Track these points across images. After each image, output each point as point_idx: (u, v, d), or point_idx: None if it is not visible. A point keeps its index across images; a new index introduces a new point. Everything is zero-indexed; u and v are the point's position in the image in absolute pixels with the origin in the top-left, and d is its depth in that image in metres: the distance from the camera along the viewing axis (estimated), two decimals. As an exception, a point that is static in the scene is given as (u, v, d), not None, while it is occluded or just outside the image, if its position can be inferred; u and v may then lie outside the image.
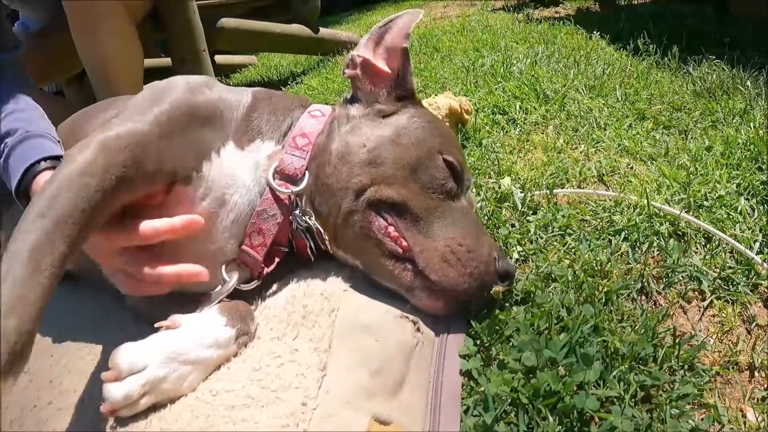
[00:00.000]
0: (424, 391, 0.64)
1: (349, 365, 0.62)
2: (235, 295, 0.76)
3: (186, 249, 0.74)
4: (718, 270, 0.79)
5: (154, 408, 0.62)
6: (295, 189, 0.74)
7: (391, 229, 0.71)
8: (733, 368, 0.69)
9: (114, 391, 0.59)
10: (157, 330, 0.68)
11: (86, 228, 0.59)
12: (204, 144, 0.73)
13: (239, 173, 0.75)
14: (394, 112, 0.80)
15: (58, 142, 0.86)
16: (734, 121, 1.18)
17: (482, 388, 0.62)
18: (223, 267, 0.76)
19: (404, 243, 0.70)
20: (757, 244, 0.83)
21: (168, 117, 0.70)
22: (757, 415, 0.61)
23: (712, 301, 0.76)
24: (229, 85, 2.98)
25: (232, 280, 0.75)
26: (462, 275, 0.67)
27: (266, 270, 0.77)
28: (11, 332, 0.47)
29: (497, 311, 0.70)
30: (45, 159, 0.79)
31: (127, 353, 0.62)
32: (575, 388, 0.61)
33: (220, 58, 2.85)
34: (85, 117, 0.98)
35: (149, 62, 2.26)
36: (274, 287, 0.81)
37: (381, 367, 0.62)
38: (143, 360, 0.62)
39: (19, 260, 0.51)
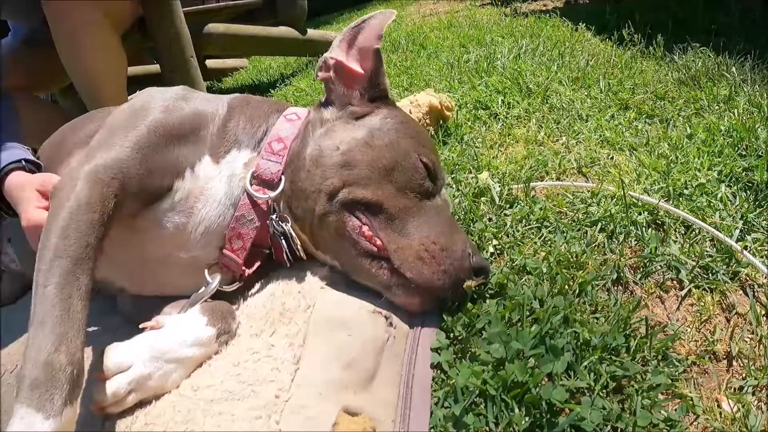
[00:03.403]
0: (396, 384, 0.65)
1: (321, 359, 0.63)
2: (219, 295, 0.77)
3: (159, 254, 0.76)
4: (697, 259, 0.78)
5: (141, 404, 0.64)
6: (272, 194, 0.75)
7: (365, 228, 0.71)
8: (710, 358, 0.67)
9: (102, 390, 0.61)
10: (142, 331, 0.69)
11: (96, 255, 0.64)
12: (179, 162, 0.75)
13: (211, 188, 0.77)
14: (368, 113, 0.80)
15: (27, 149, 0.95)
16: (718, 108, 1.17)
17: (453, 381, 0.62)
18: (207, 270, 0.77)
19: (378, 242, 0.70)
20: (737, 231, 0.82)
21: (146, 141, 0.73)
22: (732, 405, 0.60)
23: (690, 290, 0.75)
24: (220, 89, 2.98)
25: (214, 282, 0.77)
26: (436, 272, 0.68)
27: (248, 271, 0.78)
28: (65, 364, 0.54)
29: (470, 305, 0.69)
30: (14, 162, 0.89)
31: (114, 353, 0.64)
32: (545, 380, 0.60)
33: (211, 63, 2.86)
34: (71, 129, 1.00)
35: (140, 69, 2.28)
36: (257, 286, 0.82)
37: (352, 361, 0.63)
38: (129, 359, 0.64)
39: (51, 302, 0.57)
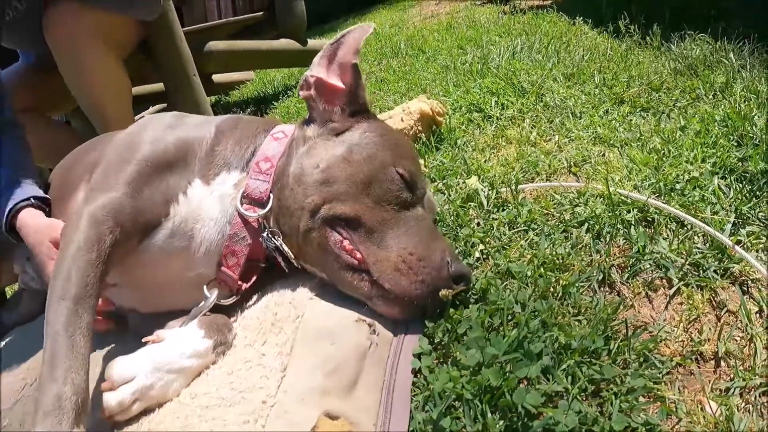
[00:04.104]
0: (378, 389, 0.66)
1: (306, 367, 0.66)
2: (218, 309, 0.80)
3: (168, 277, 0.82)
4: (687, 256, 0.76)
5: (145, 412, 0.68)
6: (262, 212, 0.78)
7: (345, 242, 0.73)
8: (697, 358, 0.66)
9: (109, 400, 0.66)
10: (145, 344, 0.74)
11: (99, 291, 0.71)
12: (170, 189, 0.80)
13: (206, 208, 0.81)
14: (348, 128, 0.82)
15: (36, 183, 1.04)
16: (714, 97, 1.14)
17: (432, 386, 0.63)
18: (205, 286, 0.81)
19: (358, 255, 0.72)
20: (730, 225, 0.80)
21: (136, 176, 0.79)
22: (715, 408, 0.59)
23: (679, 289, 0.74)
24: (228, 102, 3.02)
25: (212, 297, 0.80)
26: (413, 282, 0.69)
27: (244, 286, 0.82)
28: (71, 395, 0.61)
29: (452, 310, 0.70)
30: (24, 200, 0.98)
31: (119, 365, 0.69)
32: (524, 383, 0.60)
33: (218, 77, 2.93)
34: (81, 153, 1.06)
35: (146, 89, 2.35)
36: (254, 299, 0.85)
37: (336, 368, 0.65)
38: (133, 371, 0.69)
39: (58, 340, 0.64)
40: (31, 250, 0.93)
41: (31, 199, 0.99)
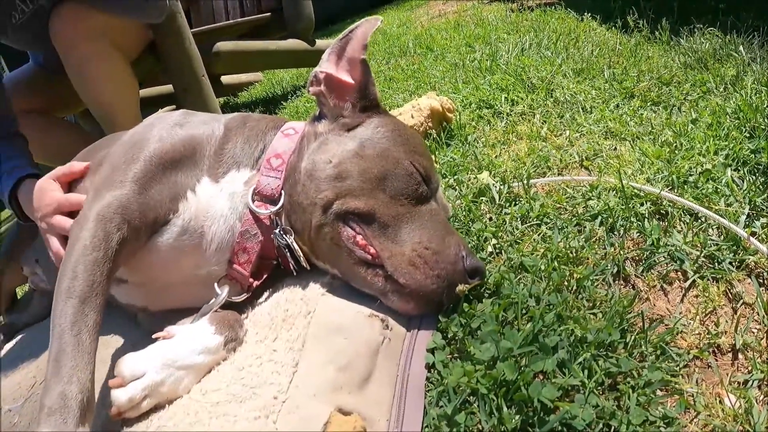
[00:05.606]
0: (392, 384, 0.66)
1: (318, 362, 0.66)
2: (229, 306, 0.81)
3: (179, 275, 0.82)
4: (701, 248, 0.76)
5: (155, 408, 0.68)
6: (273, 209, 0.79)
7: (359, 237, 0.73)
8: (714, 351, 0.66)
9: (119, 396, 0.67)
10: (155, 341, 0.74)
11: (107, 290, 0.71)
12: (178, 186, 0.80)
13: (215, 206, 0.81)
14: (359, 123, 0.82)
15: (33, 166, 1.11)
16: (725, 90, 1.13)
17: (447, 381, 0.63)
18: (216, 283, 0.81)
19: (372, 250, 0.72)
20: (744, 217, 0.79)
21: (143, 173, 0.79)
22: (734, 400, 0.58)
23: (694, 281, 0.73)
24: (236, 104, 3.03)
25: (223, 293, 0.81)
26: (429, 277, 0.69)
27: (255, 283, 0.82)
28: (76, 393, 0.61)
29: (466, 305, 0.70)
30: (28, 174, 1.04)
31: (129, 362, 0.70)
32: (540, 377, 0.60)
33: (226, 78, 2.95)
34: (87, 155, 1.08)
35: (155, 90, 2.36)
36: (265, 295, 0.85)
37: (348, 363, 0.65)
38: (143, 367, 0.69)
39: (64, 339, 0.64)
40: (34, 206, 0.95)
41: (34, 175, 1.03)
